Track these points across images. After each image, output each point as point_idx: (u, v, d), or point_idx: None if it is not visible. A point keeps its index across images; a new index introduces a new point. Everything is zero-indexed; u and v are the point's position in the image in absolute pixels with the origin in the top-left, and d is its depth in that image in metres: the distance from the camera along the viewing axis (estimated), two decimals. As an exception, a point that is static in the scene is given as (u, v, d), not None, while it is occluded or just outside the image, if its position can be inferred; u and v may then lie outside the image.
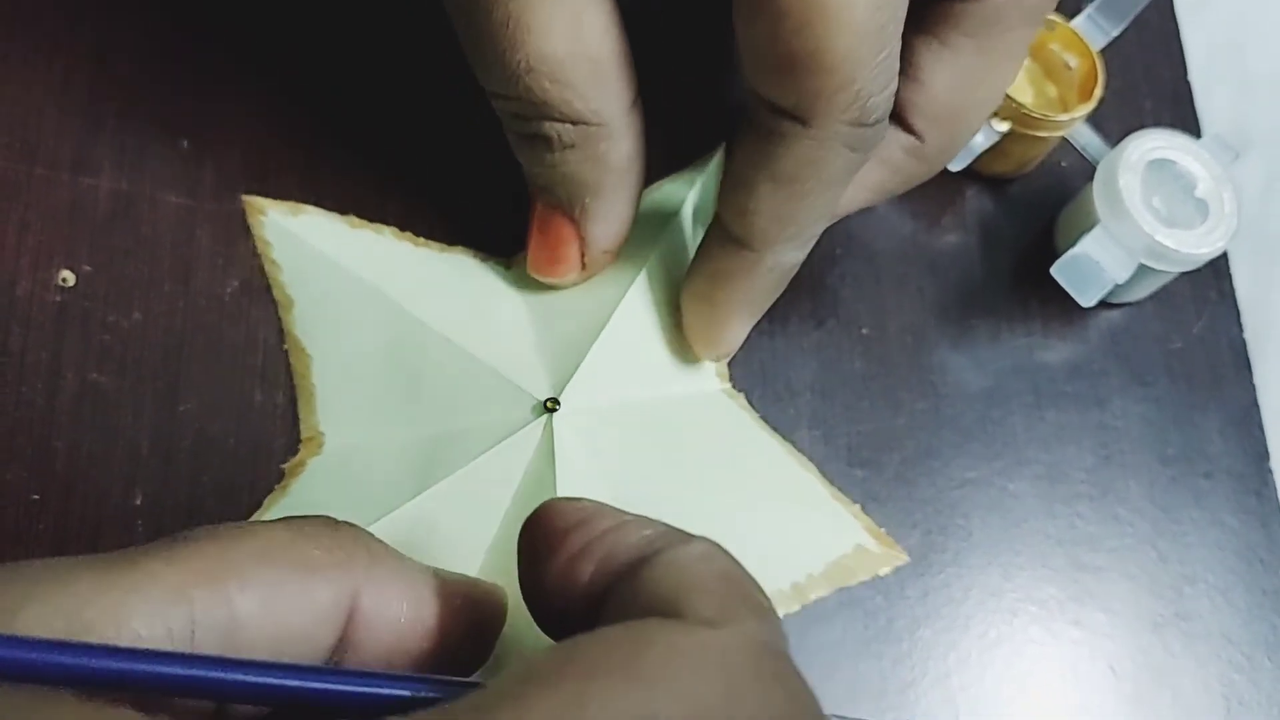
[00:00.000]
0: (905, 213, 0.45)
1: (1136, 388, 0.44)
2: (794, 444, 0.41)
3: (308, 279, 0.40)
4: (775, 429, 0.41)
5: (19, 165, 0.41)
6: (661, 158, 0.39)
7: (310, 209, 0.41)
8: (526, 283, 0.40)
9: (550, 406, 0.36)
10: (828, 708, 0.37)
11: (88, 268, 0.40)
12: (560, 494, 0.35)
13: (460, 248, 0.42)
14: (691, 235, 0.41)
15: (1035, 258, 0.45)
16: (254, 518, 0.38)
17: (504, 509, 0.36)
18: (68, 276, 0.40)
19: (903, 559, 0.40)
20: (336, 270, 0.40)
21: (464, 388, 0.37)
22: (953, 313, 0.44)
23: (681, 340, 0.39)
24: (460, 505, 0.36)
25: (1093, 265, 0.41)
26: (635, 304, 0.39)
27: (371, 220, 0.42)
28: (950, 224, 0.45)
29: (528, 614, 0.28)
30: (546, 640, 0.28)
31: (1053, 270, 0.41)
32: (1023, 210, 0.46)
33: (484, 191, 0.43)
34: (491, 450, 0.36)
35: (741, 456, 0.39)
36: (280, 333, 0.40)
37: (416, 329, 0.38)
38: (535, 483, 0.36)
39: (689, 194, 0.42)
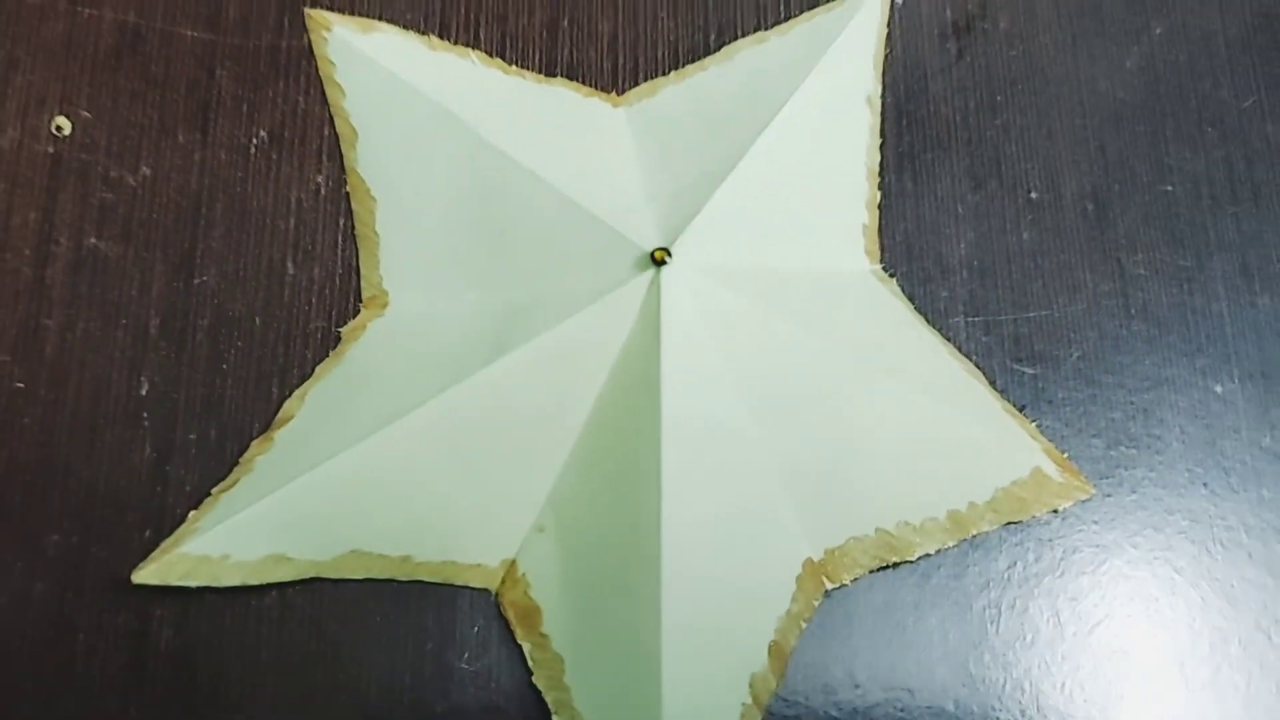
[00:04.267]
0: (1081, 50, 0.37)
1: (1375, 269, 0.36)
2: (946, 333, 0.33)
3: (376, 106, 0.34)
4: (923, 315, 0.33)
5: (6, -8, 0.35)
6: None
7: (384, 26, 0.35)
8: (637, 121, 0.33)
9: (659, 258, 0.29)
10: (988, 657, 0.30)
11: (86, 114, 0.34)
12: (666, 369, 0.28)
13: (561, 80, 0.35)
14: (847, 102, 0.34)
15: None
16: (303, 390, 0.32)
17: (598, 387, 0.30)
18: (63, 124, 0.34)
19: (1088, 491, 0.32)
20: (411, 97, 0.33)
21: (556, 237, 0.31)
22: (1142, 174, 0.35)
23: (822, 205, 0.32)
24: (544, 378, 0.30)
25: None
26: (768, 154, 0.32)
27: (456, 43, 0.35)
28: (1136, 64, 0.37)
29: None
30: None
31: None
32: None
33: (589, 18, 0.36)
34: (584, 311, 0.30)
35: (892, 353, 0.32)
36: (318, 193, 0.34)
37: (502, 167, 0.32)
38: (637, 356, 0.29)
39: (838, 50, 0.34)
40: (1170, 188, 0.35)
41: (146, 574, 0.29)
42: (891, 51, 0.36)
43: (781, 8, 0.36)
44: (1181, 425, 0.34)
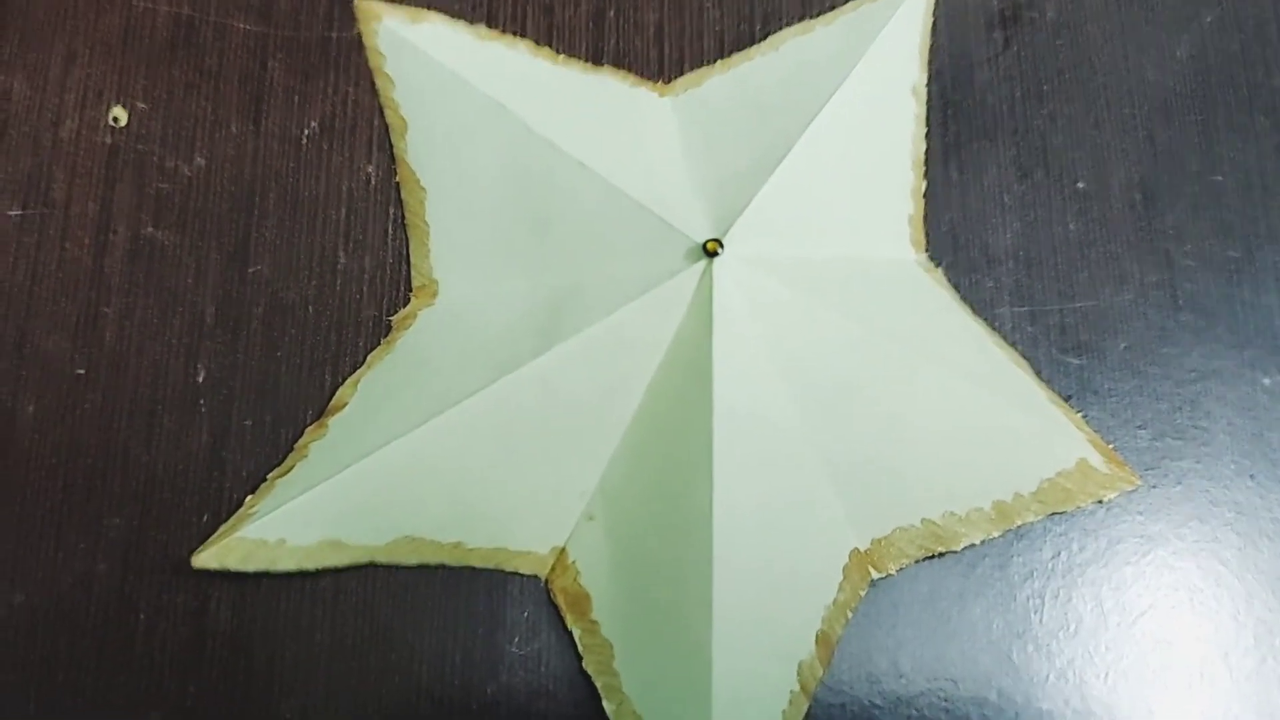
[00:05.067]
0: (1129, 39, 0.36)
1: None
2: (992, 323, 0.33)
3: (426, 97, 0.34)
4: (969, 305, 0.33)
5: (63, -15, 0.35)
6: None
7: (433, 16, 0.35)
8: (683, 111, 0.33)
9: (711, 249, 0.29)
10: (1032, 647, 0.30)
11: (143, 105, 0.34)
12: (718, 360, 0.28)
13: (608, 69, 0.35)
14: (893, 92, 0.34)
15: (1296, 97, 0.36)
16: (356, 377, 0.32)
17: (648, 377, 0.30)
18: (120, 115, 0.34)
19: (1134, 483, 0.32)
20: (460, 88, 0.33)
21: (604, 227, 0.31)
22: (1191, 163, 0.35)
23: (869, 195, 0.32)
24: (594, 368, 0.30)
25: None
26: (815, 145, 0.32)
27: (505, 34, 0.35)
28: (1185, 53, 0.36)
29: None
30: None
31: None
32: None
33: (635, 8, 0.36)
34: (634, 303, 0.30)
35: (938, 342, 0.32)
36: (368, 183, 0.34)
37: (551, 158, 0.32)
38: (688, 347, 0.29)
39: (885, 41, 0.34)
40: (1220, 177, 0.35)
41: (205, 558, 0.30)
42: (937, 41, 0.36)
43: (828, -3, 0.36)
44: (1229, 417, 0.33)
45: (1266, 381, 0.34)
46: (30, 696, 0.30)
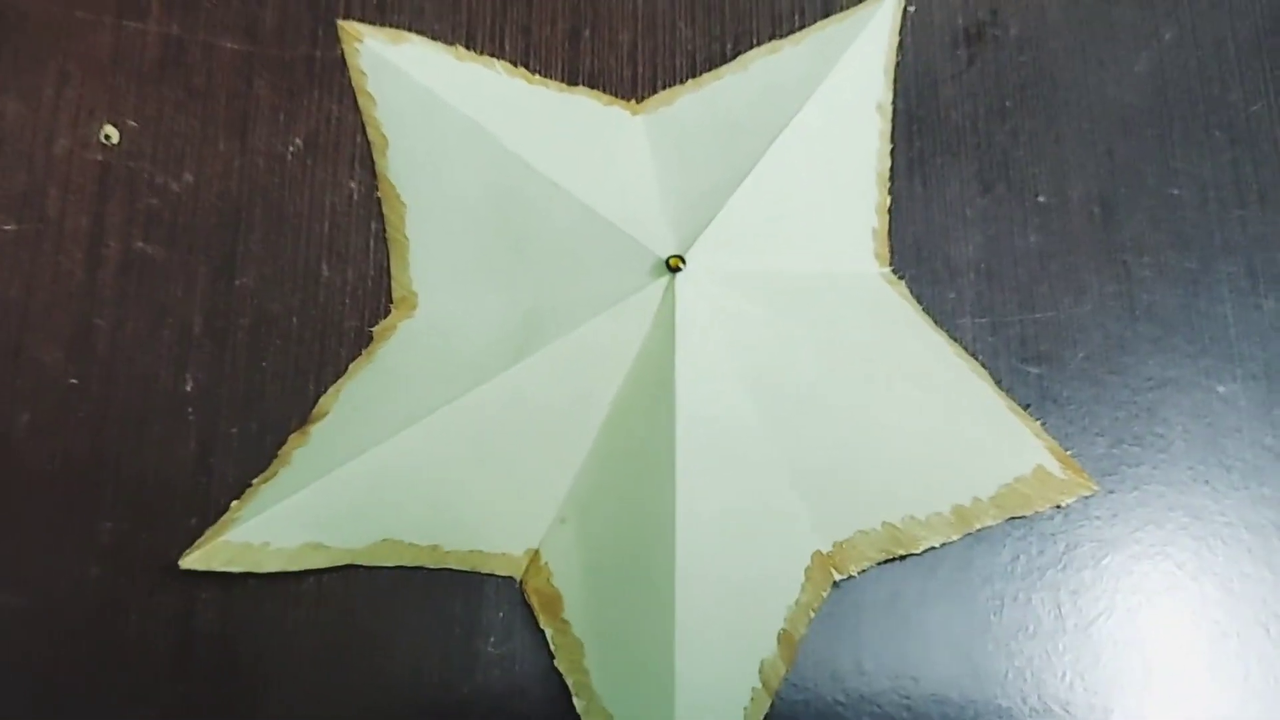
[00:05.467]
0: (1090, 56, 0.37)
1: (1379, 271, 0.36)
2: (953, 334, 0.34)
3: (406, 116, 0.35)
4: (931, 316, 0.34)
5: (57, 6, 0.36)
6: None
7: (413, 38, 0.36)
8: (655, 129, 0.34)
9: (674, 265, 0.30)
10: (991, 647, 0.31)
11: (133, 123, 0.35)
12: (680, 372, 0.30)
13: (582, 89, 0.36)
14: (859, 109, 0.35)
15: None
16: (338, 387, 0.33)
17: (615, 387, 0.31)
18: (111, 133, 0.35)
19: (1091, 488, 0.33)
20: (438, 107, 0.34)
21: (575, 243, 0.32)
22: (1149, 177, 0.36)
23: (833, 210, 0.33)
24: (564, 379, 0.31)
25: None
26: (780, 162, 0.33)
27: (482, 53, 0.36)
28: (1145, 69, 0.37)
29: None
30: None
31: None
32: (1236, 57, 0.38)
33: (609, 28, 0.37)
34: (602, 315, 0.31)
35: (900, 353, 0.33)
36: (350, 198, 0.35)
37: (525, 175, 0.33)
38: (652, 358, 0.30)
39: (851, 59, 0.35)
40: (1177, 191, 0.36)
41: (193, 560, 0.31)
42: (903, 58, 0.37)
43: (796, 17, 0.37)
44: (1185, 424, 0.34)
45: (1221, 389, 0.35)
46: (24, 698, 0.31)
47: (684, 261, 0.30)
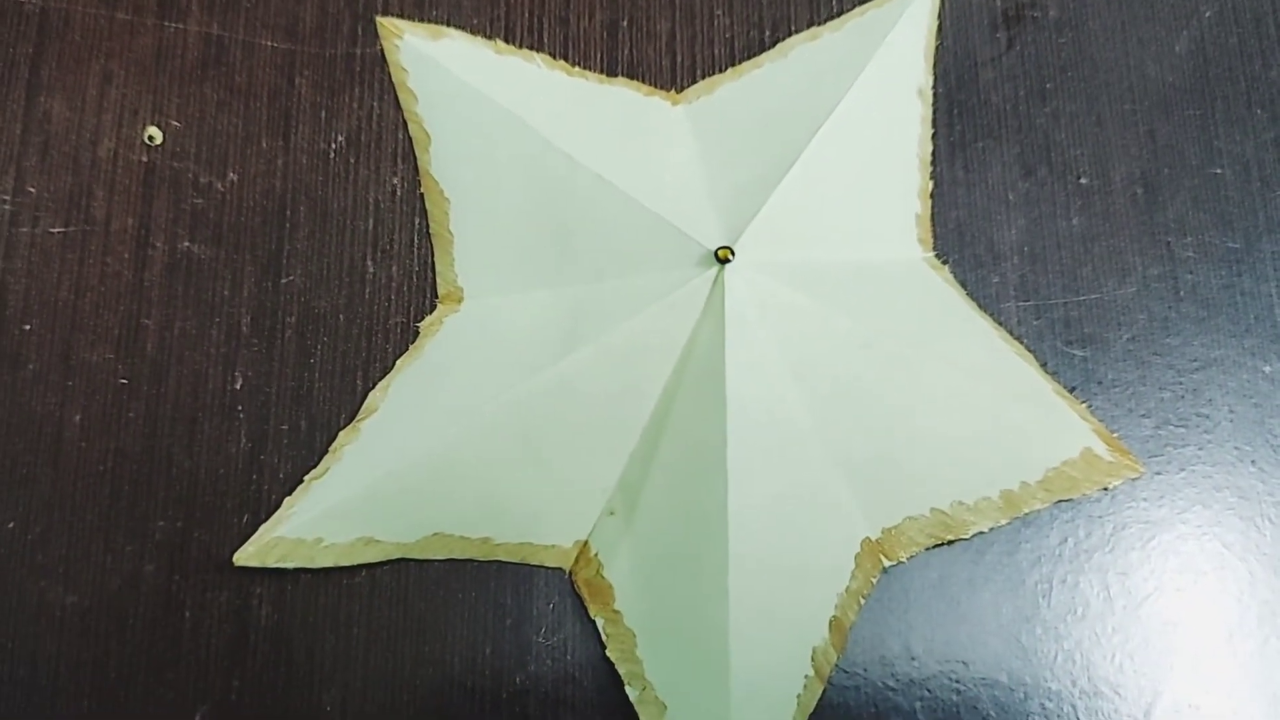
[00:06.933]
0: (1130, 35, 0.37)
1: None
2: (998, 318, 0.34)
3: (447, 111, 0.35)
4: (975, 301, 0.34)
5: (98, 9, 0.36)
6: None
7: (452, 32, 0.36)
8: (696, 119, 0.34)
9: (723, 256, 0.30)
10: (1040, 630, 0.31)
11: (176, 123, 0.36)
12: (730, 364, 0.30)
13: (622, 79, 0.36)
14: (900, 95, 0.35)
15: (1296, 90, 0.37)
16: (384, 382, 0.34)
17: (664, 379, 0.31)
18: (155, 134, 0.36)
19: (1138, 470, 0.33)
20: (480, 101, 0.34)
21: (620, 235, 0.32)
22: (1191, 157, 0.36)
23: (877, 196, 0.33)
24: (612, 373, 0.31)
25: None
26: (824, 150, 0.32)
27: (520, 46, 0.36)
28: (1185, 48, 0.37)
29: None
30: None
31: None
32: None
33: (647, 17, 0.37)
34: (650, 308, 0.31)
35: (947, 339, 0.33)
36: (394, 194, 0.35)
37: (568, 169, 0.33)
38: (701, 350, 0.30)
39: (891, 45, 0.35)
40: (1220, 170, 0.36)
41: (247, 556, 0.31)
42: (942, 43, 0.37)
43: (834, 2, 0.37)
44: (1230, 404, 0.34)
45: (1267, 369, 0.35)
46: (84, 694, 0.32)
47: (733, 253, 0.30)
